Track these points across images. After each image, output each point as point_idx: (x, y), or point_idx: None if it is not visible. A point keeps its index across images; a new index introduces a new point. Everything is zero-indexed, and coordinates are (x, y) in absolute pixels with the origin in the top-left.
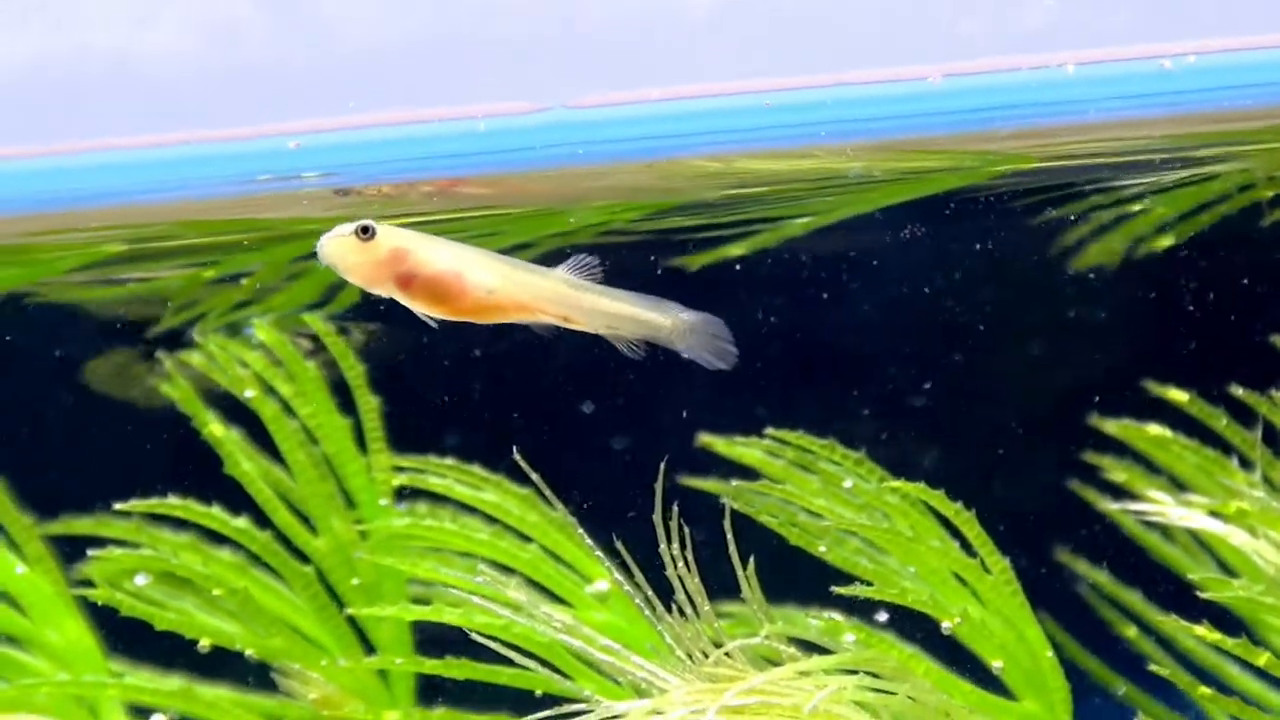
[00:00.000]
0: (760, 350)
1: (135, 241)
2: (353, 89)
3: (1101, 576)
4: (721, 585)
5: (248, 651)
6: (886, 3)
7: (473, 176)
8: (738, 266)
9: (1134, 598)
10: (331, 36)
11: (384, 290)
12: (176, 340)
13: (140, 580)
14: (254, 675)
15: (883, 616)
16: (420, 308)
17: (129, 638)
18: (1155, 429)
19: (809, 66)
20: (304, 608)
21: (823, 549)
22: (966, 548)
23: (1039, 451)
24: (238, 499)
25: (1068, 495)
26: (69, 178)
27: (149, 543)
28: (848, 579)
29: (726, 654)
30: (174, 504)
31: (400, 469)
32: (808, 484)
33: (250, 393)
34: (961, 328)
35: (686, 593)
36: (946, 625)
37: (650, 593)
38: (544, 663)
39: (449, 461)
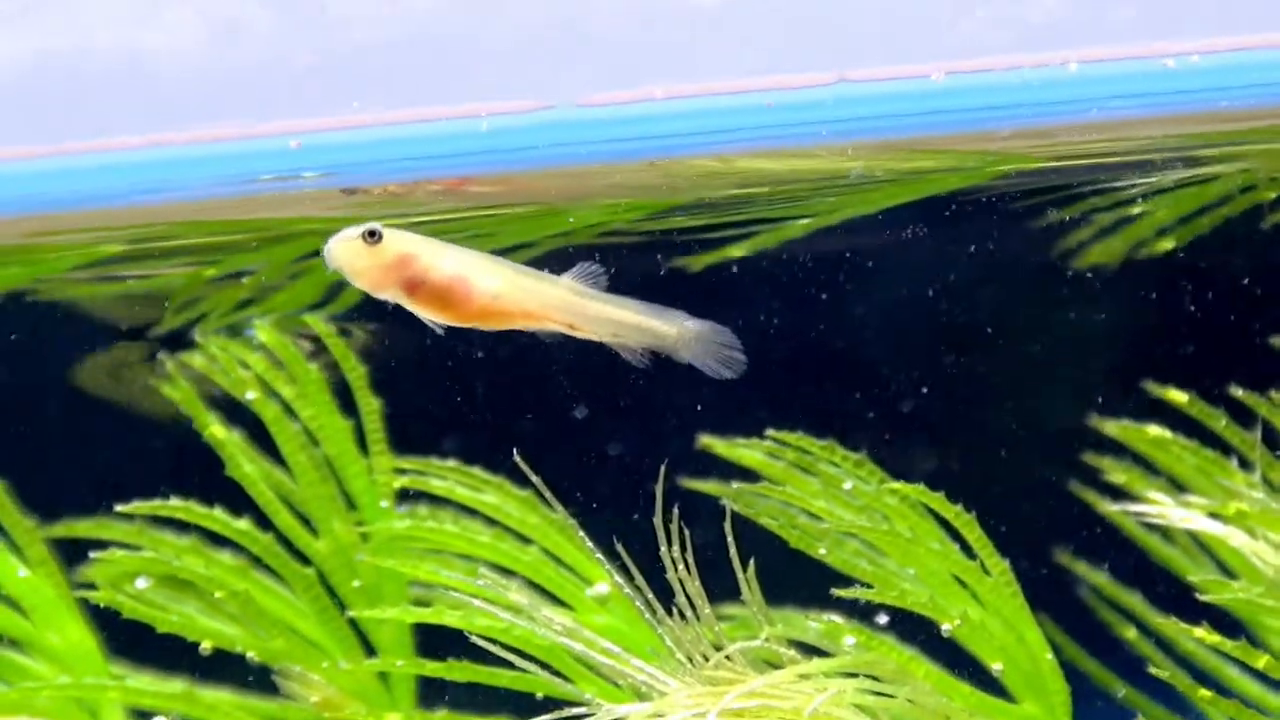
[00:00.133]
0: (762, 351)
1: (136, 241)
2: (355, 88)
3: (1101, 578)
4: (722, 587)
5: (249, 654)
6: (888, 2)
7: (479, 175)
8: (735, 269)
9: (1134, 599)
10: (334, 35)
11: (390, 295)
12: (178, 341)
13: (142, 583)
14: (255, 677)
15: (883, 619)
16: (426, 313)
17: (130, 640)
18: (1155, 430)
19: (811, 65)
20: (305, 610)
21: (823, 551)
22: (966, 550)
23: (1039, 453)
24: (239, 501)
25: (1067, 497)
26: (69, 178)
27: (150, 545)
28: (848, 581)
29: (727, 657)
30: (175, 506)
31: (401, 471)
32: (808, 486)
33: (252, 394)
34: (961, 328)
35: (687, 595)
36: (946, 627)
37: (651, 595)
38: (545, 665)
39: (450, 463)
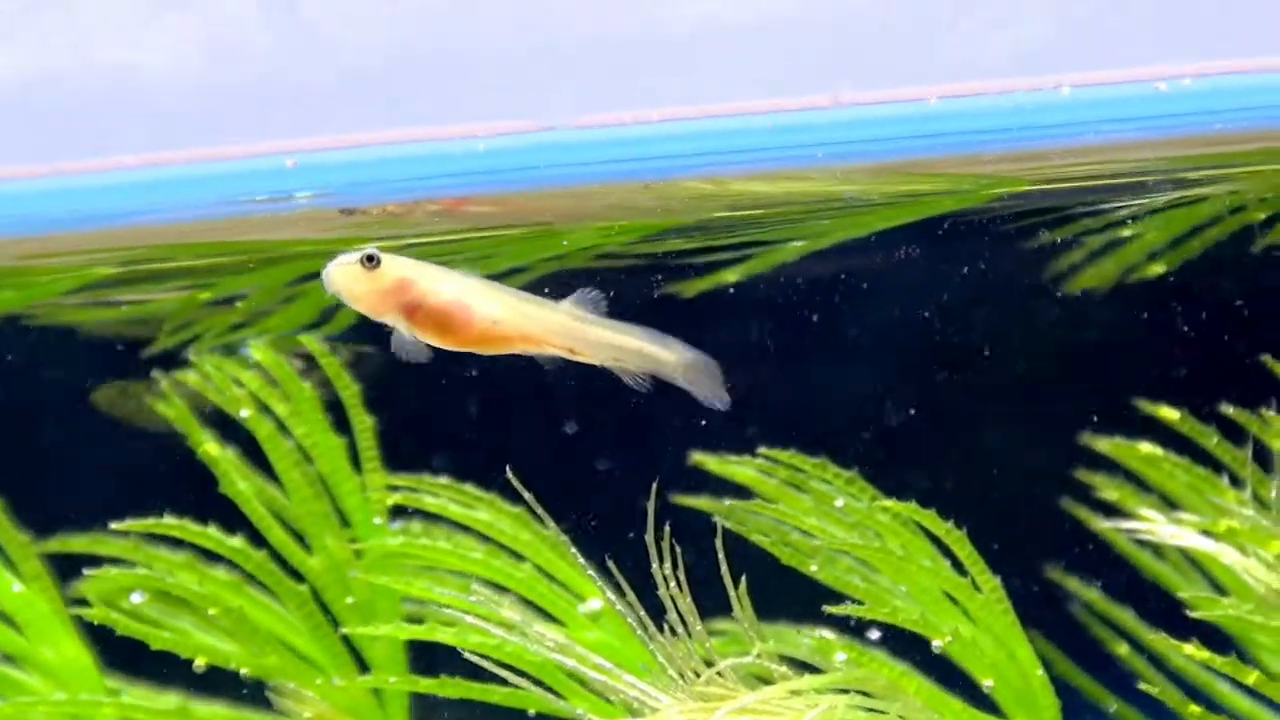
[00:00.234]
0: (754, 369)
1: (131, 263)
2: (351, 108)
3: (1092, 594)
4: (714, 603)
5: (243, 670)
6: (883, 25)
7: (476, 195)
8: (731, 290)
9: (1125, 616)
10: (331, 55)
11: (389, 319)
12: (172, 360)
13: (136, 599)
14: (249, 693)
15: (875, 635)
16: (425, 337)
17: (125, 656)
18: (1147, 447)
19: (806, 88)
20: (299, 626)
21: (814, 568)
22: (958, 566)
23: (1031, 470)
24: (233, 518)
25: (1059, 513)
26: (64, 198)
27: (145, 561)
28: (839, 598)
29: (718, 673)
30: (170, 523)
31: (394, 488)
32: (800, 503)
33: (245, 412)
34: (953, 348)
35: (679, 612)
36: (938, 644)
37: (643, 612)
38: (537, 682)
39: (443, 480)
